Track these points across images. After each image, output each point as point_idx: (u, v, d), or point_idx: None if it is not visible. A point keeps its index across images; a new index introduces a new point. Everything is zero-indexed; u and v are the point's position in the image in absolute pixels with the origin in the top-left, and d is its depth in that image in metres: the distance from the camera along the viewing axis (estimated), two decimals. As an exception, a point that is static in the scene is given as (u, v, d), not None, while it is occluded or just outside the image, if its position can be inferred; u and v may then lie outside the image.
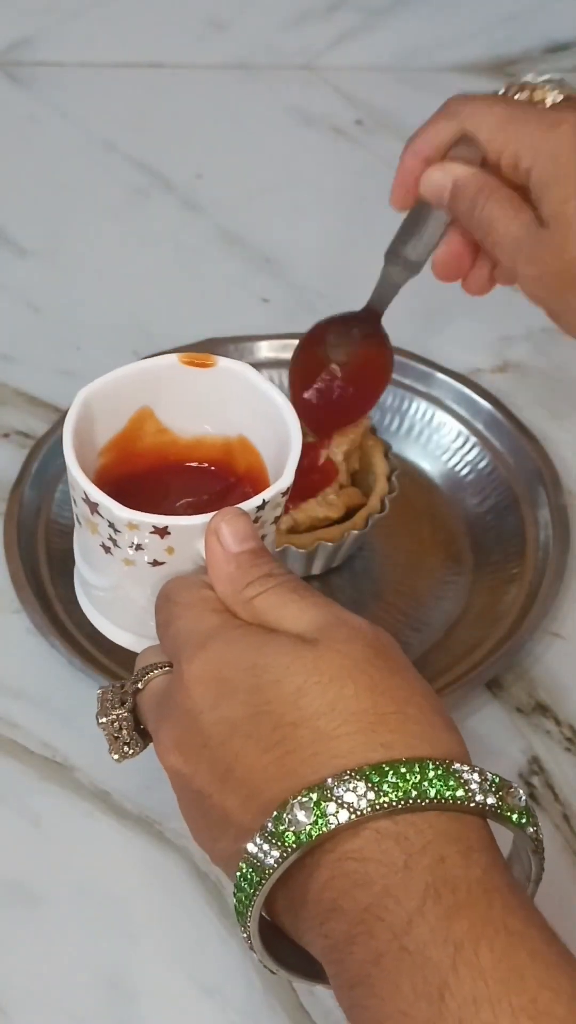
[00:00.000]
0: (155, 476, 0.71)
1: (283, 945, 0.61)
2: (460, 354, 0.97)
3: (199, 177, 1.11)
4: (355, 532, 0.85)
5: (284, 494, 0.66)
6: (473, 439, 0.93)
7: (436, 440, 0.93)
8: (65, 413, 0.92)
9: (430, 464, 0.93)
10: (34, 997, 0.72)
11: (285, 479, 0.66)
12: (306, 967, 0.61)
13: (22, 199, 1.09)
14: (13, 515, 0.88)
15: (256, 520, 0.65)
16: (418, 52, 1.19)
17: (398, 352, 0.94)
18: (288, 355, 0.95)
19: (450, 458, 0.93)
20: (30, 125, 1.15)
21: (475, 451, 0.93)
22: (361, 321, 0.88)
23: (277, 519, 0.67)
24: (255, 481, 0.68)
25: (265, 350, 0.96)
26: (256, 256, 1.06)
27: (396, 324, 0.93)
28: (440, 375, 0.94)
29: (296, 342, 0.96)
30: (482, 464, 0.92)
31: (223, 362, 0.70)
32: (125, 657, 0.81)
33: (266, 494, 0.65)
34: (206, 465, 0.71)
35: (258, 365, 0.95)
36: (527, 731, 0.82)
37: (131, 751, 0.66)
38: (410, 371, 0.95)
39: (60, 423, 0.92)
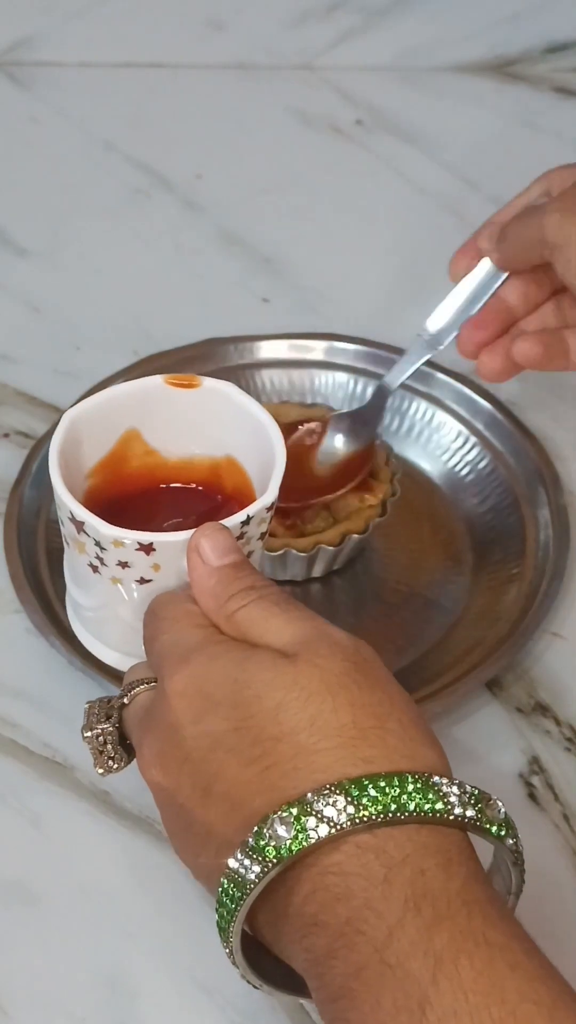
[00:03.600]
0: (144, 497, 0.71)
1: (266, 960, 0.61)
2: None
3: (199, 177, 1.11)
4: (356, 536, 0.85)
5: (269, 509, 0.67)
6: (473, 439, 0.93)
7: (436, 440, 0.93)
8: (65, 414, 0.93)
9: (430, 464, 0.93)
10: (34, 997, 0.72)
11: (269, 495, 0.66)
12: (289, 981, 0.61)
13: (22, 199, 1.09)
14: (13, 515, 0.88)
15: (241, 536, 0.65)
16: (418, 52, 1.19)
17: (399, 352, 0.94)
18: (288, 355, 0.96)
19: (450, 458, 0.93)
20: (30, 125, 1.14)
21: (475, 451, 0.93)
22: (362, 423, 0.89)
23: (263, 535, 0.68)
24: (243, 500, 0.68)
25: (265, 350, 0.96)
26: (256, 256, 1.06)
27: (397, 324, 0.93)
28: (440, 375, 0.94)
29: (296, 342, 0.96)
30: (482, 464, 0.92)
31: (207, 382, 0.70)
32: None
33: (250, 509, 0.66)
34: (194, 485, 0.72)
35: (258, 365, 0.96)
36: (527, 731, 0.82)
37: (115, 765, 0.66)
38: (410, 371, 0.95)
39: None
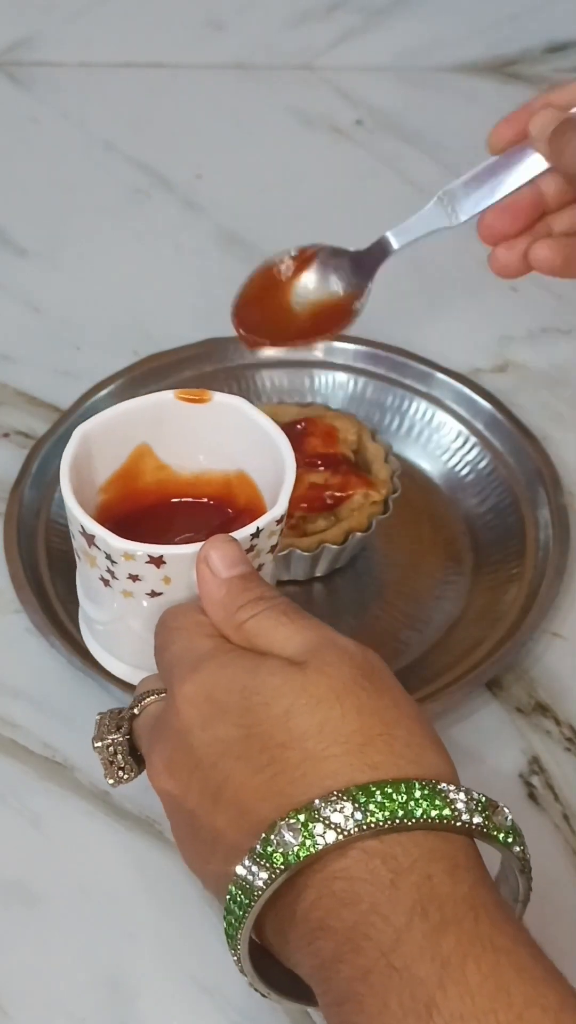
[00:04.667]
0: (156, 512, 0.72)
1: (273, 967, 0.61)
2: (460, 354, 0.97)
3: (199, 177, 1.11)
4: (359, 534, 0.85)
5: (279, 522, 0.67)
6: (473, 439, 0.93)
7: (436, 440, 0.93)
8: (65, 413, 0.93)
9: (430, 464, 0.93)
10: (34, 997, 0.72)
11: (279, 507, 0.67)
12: (295, 989, 0.61)
13: (22, 199, 1.09)
14: (13, 515, 0.88)
15: (251, 549, 0.66)
16: (418, 52, 1.19)
17: (399, 352, 0.95)
18: (288, 355, 0.95)
19: (450, 458, 0.93)
20: (30, 125, 1.14)
21: (475, 451, 0.93)
22: (354, 268, 0.81)
23: (274, 548, 0.68)
24: (255, 513, 0.69)
25: (265, 350, 0.96)
26: (256, 256, 1.05)
27: (397, 324, 0.93)
28: (440, 375, 0.94)
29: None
30: (482, 464, 0.92)
31: (218, 397, 0.71)
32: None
33: (260, 522, 0.66)
34: (206, 500, 0.72)
35: (258, 365, 0.96)
36: (527, 731, 0.82)
37: (126, 776, 0.67)
38: (410, 371, 0.95)
39: (60, 423, 0.92)
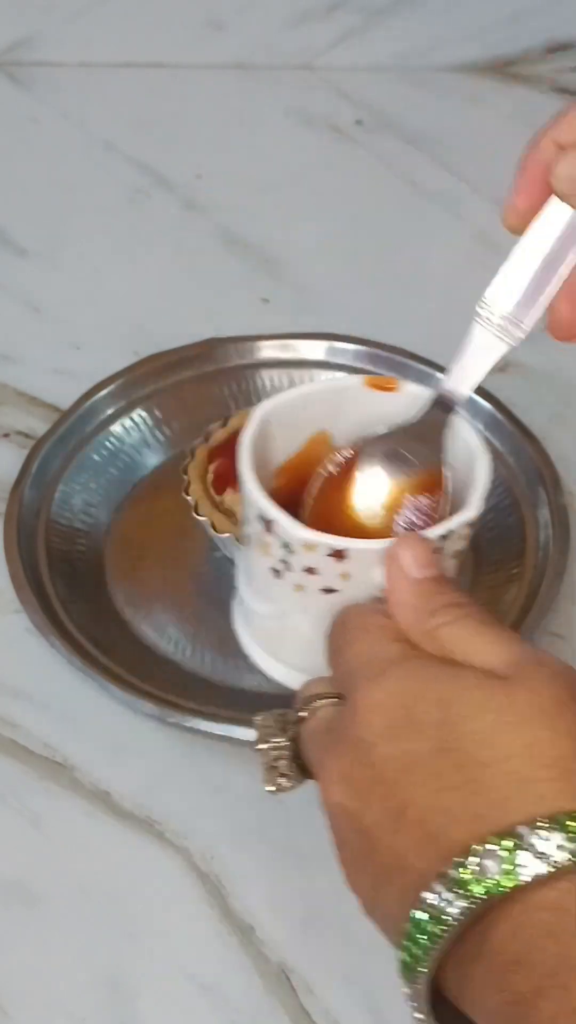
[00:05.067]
0: None
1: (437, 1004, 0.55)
2: (460, 354, 0.97)
3: (199, 177, 1.11)
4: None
5: (471, 526, 0.63)
6: (473, 439, 0.93)
7: (436, 440, 0.93)
8: (65, 413, 0.93)
9: (430, 464, 0.93)
10: (34, 997, 0.72)
11: (471, 510, 0.62)
12: None
13: (22, 199, 1.09)
14: (13, 515, 0.88)
15: (437, 551, 0.61)
16: (418, 52, 1.19)
17: (399, 352, 0.94)
18: (288, 355, 0.95)
19: (450, 458, 0.93)
20: (30, 125, 1.15)
21: (475, 451, 0.92)
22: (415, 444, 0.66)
23: (459, 552, 0.64)
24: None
25: (265, 350, 0.96)
26: (256, 256, 1.06)
27: (397, 324, 0.93)
28: (440, 375, 0.94)
29: (296, 342, 0.96)
30: (482, 464, 0.92)
31: (409, 387, 0.67)
32: (126, 658, 0.81)
33: (451, 523, 0.62)
34: None
35: (258, 365, 0.95)
36: (527, 731, 0.81)
37: (288, 784, 0.61)
38: (410, 371, 0.94)
39: (60, 423, 0.92)
